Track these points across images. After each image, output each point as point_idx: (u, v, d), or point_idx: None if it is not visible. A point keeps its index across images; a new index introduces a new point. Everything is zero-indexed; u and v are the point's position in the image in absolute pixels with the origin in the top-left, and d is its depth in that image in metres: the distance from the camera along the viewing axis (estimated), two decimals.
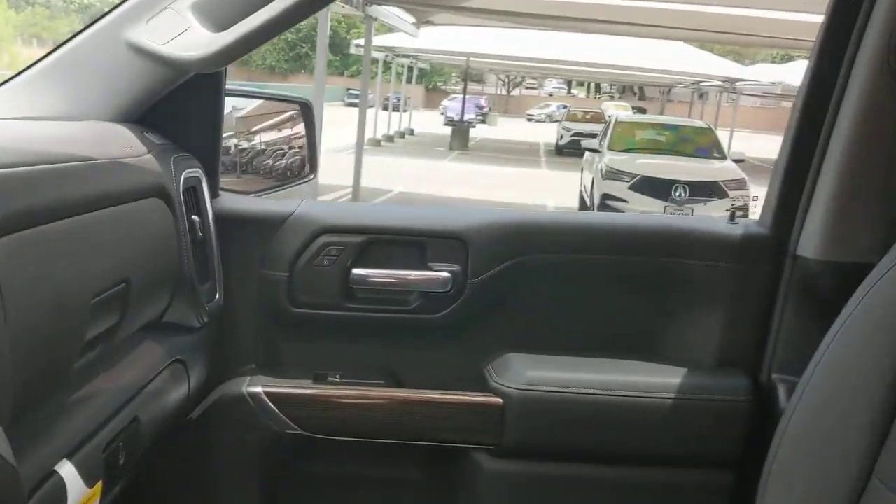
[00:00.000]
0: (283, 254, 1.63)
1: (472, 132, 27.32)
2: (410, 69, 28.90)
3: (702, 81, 26.35)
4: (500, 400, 1.61)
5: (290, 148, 2.39)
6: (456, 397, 1.64)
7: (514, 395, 1.60)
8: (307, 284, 1.64)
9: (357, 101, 12.53)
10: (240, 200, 1.73)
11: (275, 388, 1.62)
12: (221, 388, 1.63)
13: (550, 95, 65.22)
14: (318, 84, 10.11)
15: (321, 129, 9.73)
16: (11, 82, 1.33)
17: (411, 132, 28.21)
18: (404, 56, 25.75)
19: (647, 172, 11.19)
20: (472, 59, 25.09)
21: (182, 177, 1.40)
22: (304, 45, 50.47)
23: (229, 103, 2.32)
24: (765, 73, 25.04)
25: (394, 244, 1.68)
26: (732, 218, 1.73)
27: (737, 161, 12.10)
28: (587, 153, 13.14)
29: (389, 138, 24.56)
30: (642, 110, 38.11)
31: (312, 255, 1.63)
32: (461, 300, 1.65)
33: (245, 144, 2.34)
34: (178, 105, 1.47)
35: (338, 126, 18.14)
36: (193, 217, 1.45)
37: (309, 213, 1.67)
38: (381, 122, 23.88)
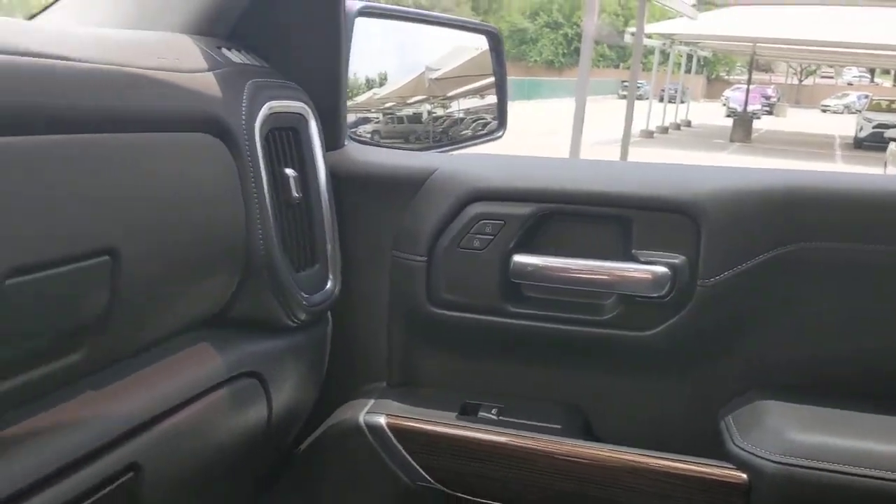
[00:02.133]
0: (420, 229, 1.17)
1: (757, 124, 25.47)
2: (690, 58, 27.42)
3: None
4: (745, 475, 1.05)
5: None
6: (674, 463, 1.09)
7: (769, 469, 1.03)
8: (451, 275, 1.17)
9: None
10: (370, 153, 1.28)
11: (404, 419, 1.17)
12: (336, 415, 1.21)
13: (850, 84, 59.40)
14: (583, 71, 9.62)
15: (585, 121, 9.27)
16: None
17: (688, 123, 26.82)
18: (683, 44, 24.47)
19: None
20: (758, 44, 23.21)
21: (263, 110, 0.99)
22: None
23: (421, 63, 1.96)
24: None
25: (580, 219, 1.16)
26: None
27: None
28: (893, 144, 11.70)
29: (663, 130, 23.44)
30: None
31: (459, 233, 1.16)
32: (686, 310, 1.11)
33: (440, 112, 1.96)
34: (282, 25, 1.11)
35: (608, 118, 17.52)
36: (287, 171, 1.04)
37: (457, 170, 1.19)
38: (657, 114, 22.85)
